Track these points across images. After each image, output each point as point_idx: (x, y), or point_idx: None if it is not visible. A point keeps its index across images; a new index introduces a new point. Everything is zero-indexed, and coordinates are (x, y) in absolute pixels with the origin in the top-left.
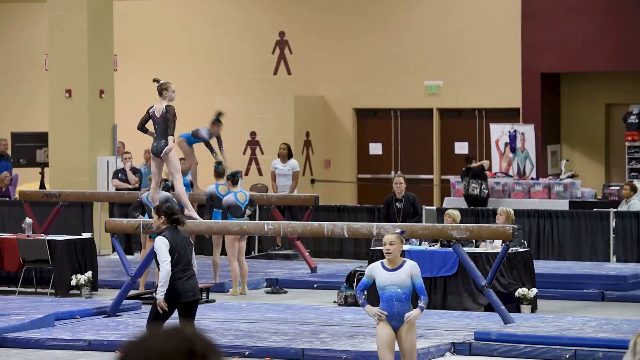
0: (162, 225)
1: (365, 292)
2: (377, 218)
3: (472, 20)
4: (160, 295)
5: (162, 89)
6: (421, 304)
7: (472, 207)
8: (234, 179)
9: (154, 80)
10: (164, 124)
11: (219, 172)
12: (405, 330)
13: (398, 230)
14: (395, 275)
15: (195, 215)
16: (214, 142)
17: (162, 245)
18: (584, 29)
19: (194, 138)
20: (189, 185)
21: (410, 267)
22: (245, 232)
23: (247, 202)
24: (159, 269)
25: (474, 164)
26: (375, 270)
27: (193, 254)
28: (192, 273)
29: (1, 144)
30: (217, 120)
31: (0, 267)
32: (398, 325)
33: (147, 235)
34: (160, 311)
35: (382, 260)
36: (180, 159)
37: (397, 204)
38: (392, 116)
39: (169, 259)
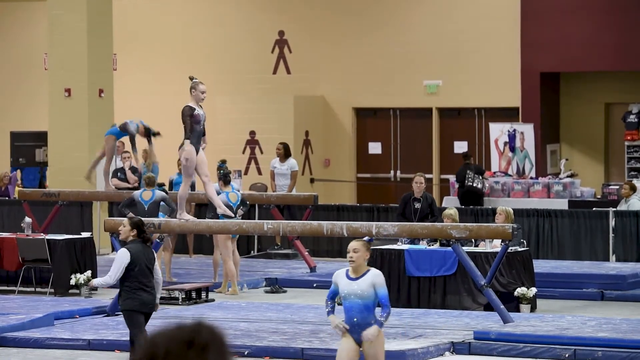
0: (130, 236)
1: (333, 301)
2: (376, 217)
3: (472, 20)
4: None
5: (190, 88)
6: (381, 318)
7: (471, 207)
8: (225, 179)
9: (190, 78)
10: (184, 124)
11: (226, 181)
12: (368, 344)
13: (366, 238)
14: (356, 284)
15: (186, 215)
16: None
17: (123, 259)
18: (583, 29)
19: (121, 132)
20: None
21: (373, 276)
22: (244, 231)
23: (238, 202)
24: (123, 280)
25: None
26: (339, 279)
27: (157, 267)
28: (153, 286)
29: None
30: (149, 133)
31: None
32: (360, 338)
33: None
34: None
35: (347, 268)
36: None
37: (415, 203)
38: (392, 115)
39: (118, 275)
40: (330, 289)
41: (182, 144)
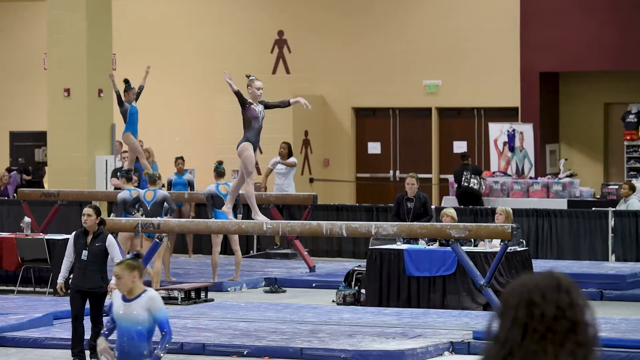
0: (95, 224)
1: (113, 322)
2: (375, 217)
3: (471, 20)
4: None
5: (246, 85)
6: (159, 349)
7: (470, 207)
8: (218, 170)
9: (246, 76)
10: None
11: (219, 172)
12: None
13: (129, 255)
14: (129, 307)
15: (261, 217)
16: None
17: (116, 243)
18: (582, 29)
19: (128, 121)
20: (186, 185)
21: (149, 299)
22: (244, 231)
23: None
24: (115, 262)
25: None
26: (114, 298)
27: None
28: None
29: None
30: (127, 88)
31: None
32: None
33: (146, 234)
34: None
35: None
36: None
37: (408, 203)
38: (391, 115)
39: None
40: (109, 304)
41: (240, 141)
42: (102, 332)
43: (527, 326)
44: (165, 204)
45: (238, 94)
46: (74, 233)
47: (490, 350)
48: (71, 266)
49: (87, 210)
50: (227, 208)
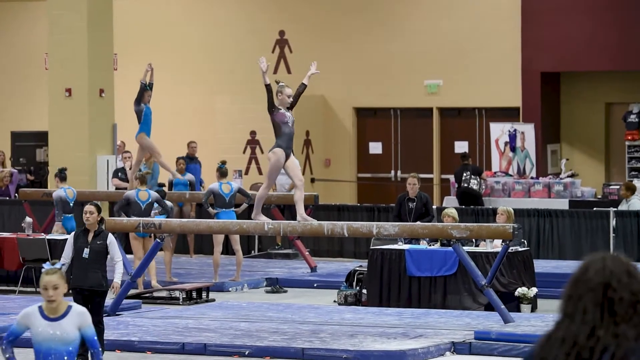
0: (97, 220)
1: (11, 347)
2: (377, 217)
3: (472, 20)
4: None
5: (276, 92)
6: None
7: (471, 207)
8: (221, 170)
9: (276, 82)
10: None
11: (222, 172)
12: None
13: (58, 264)
14: (56, 326)
15: (262, 217)
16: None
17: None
18: (583, 28)
19: (142, 122)
20: (187, 185)
21: (78, 316)
22: (245, 231)
23: (231, 194)
24: (114, 262)
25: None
26: (31, 319)
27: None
28: None
29: (190, 147)
30: (147, 88)
31: (0, 266)
32: None
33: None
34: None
35: (40, 304)
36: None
37: (409, 203)
38: (392, 115)
39: None
40: (11, 329)
41: (272, 147)
42: (7, 357)
43: (605, 308)
44: (156, 204)
45: (269, 87)
46: (72, 233)
47: (567, 329)
48: (67, 269)
49: (89, 207)
50: (254, 216)
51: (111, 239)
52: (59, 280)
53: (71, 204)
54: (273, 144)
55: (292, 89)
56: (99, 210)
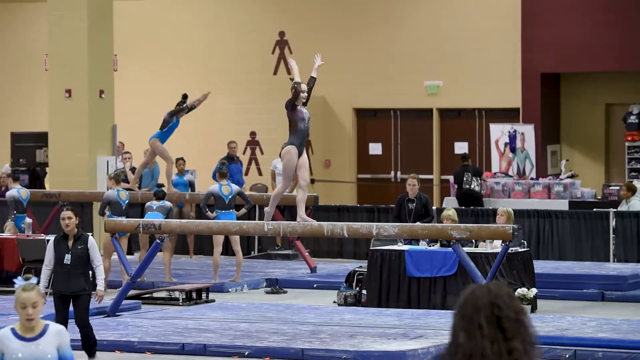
0: (76, 224)
1: None
2: (376, 218)
3: (472, 20)
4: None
5: (291, 89)
6: None
7: (471, 208)
8: (221, 171)
9: (290, 79)
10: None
11: (222, 173)
12: None
13: (33, 280)
14: (34, 347)
15: (305, 219)
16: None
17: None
18: (584, 29)
19: (165, 130)
20: (187, 185)
21: (57, 334)
22: (245, 232)
23: (231, 195)
24: (94, 265)
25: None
26: (5, 343)
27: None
28: None
29: (230, 147)
30: (182, 104)
31: (0, 267)
32: None
33: (147, 235)
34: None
35: (12, 326)
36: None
37: (409, 204)
38: (392, 116)
39: None
40: None
41: (284, 144)
42: None
43: (496, 324)
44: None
45: (294, 86)
46: (52, 239)
47: (469, 344)
48: (51, 274)
49: (66, 213)
50: (267, 216)
51: (92, 243)
52: (37, 297)
53: (24, 204)
54: (286, 141)
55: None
56: (76, 214)
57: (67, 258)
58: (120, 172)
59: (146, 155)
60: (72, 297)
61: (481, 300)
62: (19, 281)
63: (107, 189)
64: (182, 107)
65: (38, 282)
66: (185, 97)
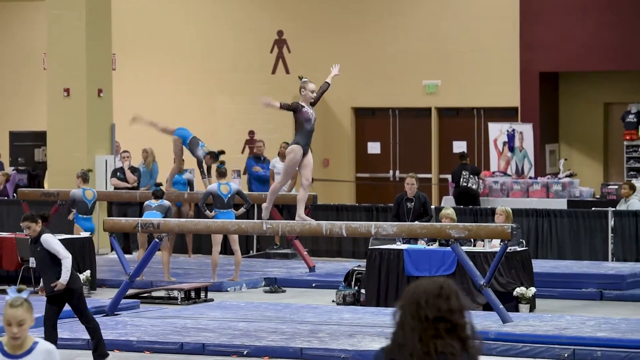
0: (38, 230)
1: None
2: (375, 217)
3: (471, 20)
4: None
5: (299, 88)
6: None
7: (470, 207)
8: (220, 171)
9: (299, 77)
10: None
11: (221, 172)
12: None
13: (25, 293)
14: None
15: (304, 219)
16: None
17: (57, 240)
18: (582, 29)
19: (189, 146)
20: (186, 184)
21: (44, 354)
22: (243, 231)
23: (230, 195)
24: (62, 257)
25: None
26: None
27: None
28: None
29: (257, 146)
30: (215, 156)
31: None
32: None
33: (146, 234)
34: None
35: (0, 340)
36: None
37: (407, 203)
38: (391, 115)
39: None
40: None
41: (291, 143)
42: None
43: (422, 321)
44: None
45: (283, 106)
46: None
47: (403, 336)
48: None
49: (24, 224)
50: (265, 212)
51: (45, 240)
52: (25, 314)
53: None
54: (292, 140)
55: (315, 84)
56: (33, 219)
57: (32, 262)
58: (87, 170)
59: (174, 147)
60: (60, 297)
61: (412, 296)
62: (11, 292)
63: (77, 187)
64: (212, 156)
65: (20, 290)
66: (220, 153)
